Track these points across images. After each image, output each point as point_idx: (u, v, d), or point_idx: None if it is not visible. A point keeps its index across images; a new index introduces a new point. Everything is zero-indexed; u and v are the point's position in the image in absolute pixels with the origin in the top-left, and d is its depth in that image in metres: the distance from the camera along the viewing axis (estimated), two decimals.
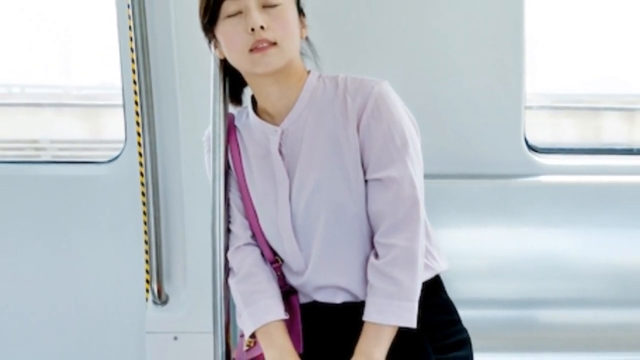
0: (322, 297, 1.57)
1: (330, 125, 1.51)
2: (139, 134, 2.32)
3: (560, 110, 3.59)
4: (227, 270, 1.63)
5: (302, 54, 1.58)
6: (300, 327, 1.56)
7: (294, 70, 1.53)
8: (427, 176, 1.55)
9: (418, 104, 1.65)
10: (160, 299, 2.41)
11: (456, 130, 2.30)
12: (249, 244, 1.61)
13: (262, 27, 1.42)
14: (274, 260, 1.61)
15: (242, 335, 1.62)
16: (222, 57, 1.55)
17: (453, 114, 2.29)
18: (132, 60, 2.27)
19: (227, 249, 1.63)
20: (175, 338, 2.40)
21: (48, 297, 2.58)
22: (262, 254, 1.61)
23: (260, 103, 1.58)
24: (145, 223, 2.37)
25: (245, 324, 1.56)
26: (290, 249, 1.56)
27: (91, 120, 4.47)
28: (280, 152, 1.55)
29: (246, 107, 1.65)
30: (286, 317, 1.55)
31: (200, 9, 1.50)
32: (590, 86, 3.34)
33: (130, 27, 2.24)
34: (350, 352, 1.46)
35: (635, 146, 2.93)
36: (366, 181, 1.50)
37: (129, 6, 2.21)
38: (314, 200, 1.51)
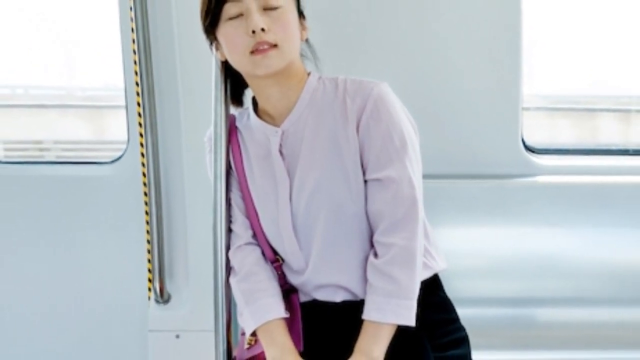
0: (322, 295, 1.57)
1: (330, 126, 1.52)
2: (141, 135, 2.33)
3: (557, 111, 3.59)
4: (229, 269, 1.63)
5: (302, 55, 1.58)
6: (300, 325, 1.57)
7: (294, 71, 1.54)
8: (425, 176, 1.56)
9: (417, 105, 1.66)
10: (163, 297, 2.42)
11: (454, 130, 2.31)
12: (249, 243, 1.62)
13: (262, 30, 1.43)
14: (275, 260, 1.61)
15: (243, 334, 1.63)
16: (223, 59, 1.56)
17: (451, 114, 2.30)
18: (135, 62, 2.28)
19: (228, 248, 1.63)
20: (177, 336, 2.40)
21: (51, 296, 2.59)
22: (263, 253, 1.62)
23: (261, 104, 1.59)
24: (147, 222, 2.38)
25: (246, 323, 1.56)
26: (291, 248, 1.57)
27: (95, 121, 4.46)
28: (281, 153, 1.56)
29: (247, 108, 1.66)
30: (287, 315, 1.56)
31: (201, 11, 1.50)
32: (586, 88, 3.34)
33: (132, 29, 2.24)
34: (350, 350, 1.47)
35: (631, 147, 2.93)
36: (365, 181, 1.51)
37: (131, 8, 2.22)
38: (314, 200, 1.52)
